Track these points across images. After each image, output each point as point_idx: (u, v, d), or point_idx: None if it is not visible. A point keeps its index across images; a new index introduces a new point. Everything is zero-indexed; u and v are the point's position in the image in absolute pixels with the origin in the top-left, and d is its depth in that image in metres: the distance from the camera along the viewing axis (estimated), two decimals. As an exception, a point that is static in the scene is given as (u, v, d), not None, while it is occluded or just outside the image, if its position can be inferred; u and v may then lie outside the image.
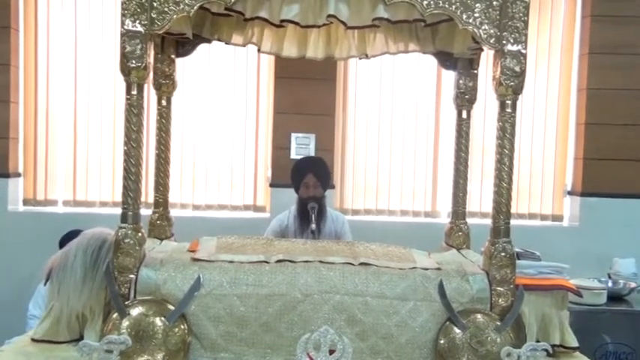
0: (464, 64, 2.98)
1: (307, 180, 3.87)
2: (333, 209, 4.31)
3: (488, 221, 2.41)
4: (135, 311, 2.24)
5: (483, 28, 2.29)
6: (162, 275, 2.33)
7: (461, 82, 3.00)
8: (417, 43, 2.95)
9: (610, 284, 4.20)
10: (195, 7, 2.28)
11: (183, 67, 4.63)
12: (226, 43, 2.98)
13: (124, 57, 2.25)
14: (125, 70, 2.26)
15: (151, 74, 2.56)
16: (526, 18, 2.29)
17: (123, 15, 2.25)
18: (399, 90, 5.02)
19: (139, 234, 2.33)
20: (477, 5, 2.29)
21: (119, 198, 2.34)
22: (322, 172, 3.96)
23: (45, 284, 2.43)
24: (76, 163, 4.90)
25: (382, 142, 5.03)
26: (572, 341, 2.45)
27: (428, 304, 2.34)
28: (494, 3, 2.29)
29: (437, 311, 2.33)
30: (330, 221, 4.01)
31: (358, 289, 2.34)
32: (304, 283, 2.33)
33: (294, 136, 4.88)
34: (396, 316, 2.32)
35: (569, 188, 5.10)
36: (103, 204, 4.90)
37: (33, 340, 2.38)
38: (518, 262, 2.40)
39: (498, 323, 2.29)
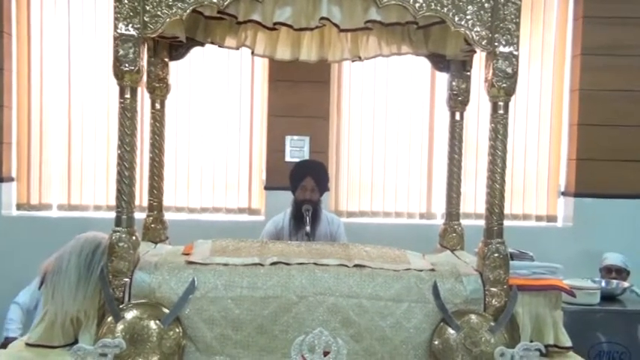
0: (457, 66, 2.99)
1: (305, 183, 3.87)
2: (328, 211, 4.31)
3: (483, 222, 2.42)
4: (129, 315, 2.25)
5: (475, 30, 2.31)
6: (156, 278, 2.33)
7: (454, 84, 3.00)
8: (409, 46, 2.96)
9: (603, 284, 4.21)
10: (188, 11, 2.29)
11: (177, 70, 4.63)
12: (220, 46, 2.98)
13: (117, 60, 2.25)
14: (118, 74, 2.27)
15: (145, 77, 2.57)
16: (518, 20, 2.31)
17: (116, 19, 2.25)
18: (393, 92, 5.03)
19: (133, 237, 2.33)
20: (469, 7, 2.30)
21: (113, 202, 2.35)
22: (321, 177, 3.97)
23: (39, 288, 2.43)
24: (70, 167, 4.89)
25: (376, 144, 5.04)
26: (566, 341, 2.46)
27: (422, 305, 2.35)
28: (486, 5, 2.31)
29: (431, 312, 2.34)
30: (325, 223, 4.01)
31: (353, 291, 2.35)
32: (299, 285, 2.34)
33: (288, 138, 4.89)
34: (391, 318, 2.33)
35: (562, 189, 5.12)
36: (98, 208, 4.90)
37: (27, 344, 2.37)
38: (511, 262, 2.42)
39: (492, 324, 2.30)
